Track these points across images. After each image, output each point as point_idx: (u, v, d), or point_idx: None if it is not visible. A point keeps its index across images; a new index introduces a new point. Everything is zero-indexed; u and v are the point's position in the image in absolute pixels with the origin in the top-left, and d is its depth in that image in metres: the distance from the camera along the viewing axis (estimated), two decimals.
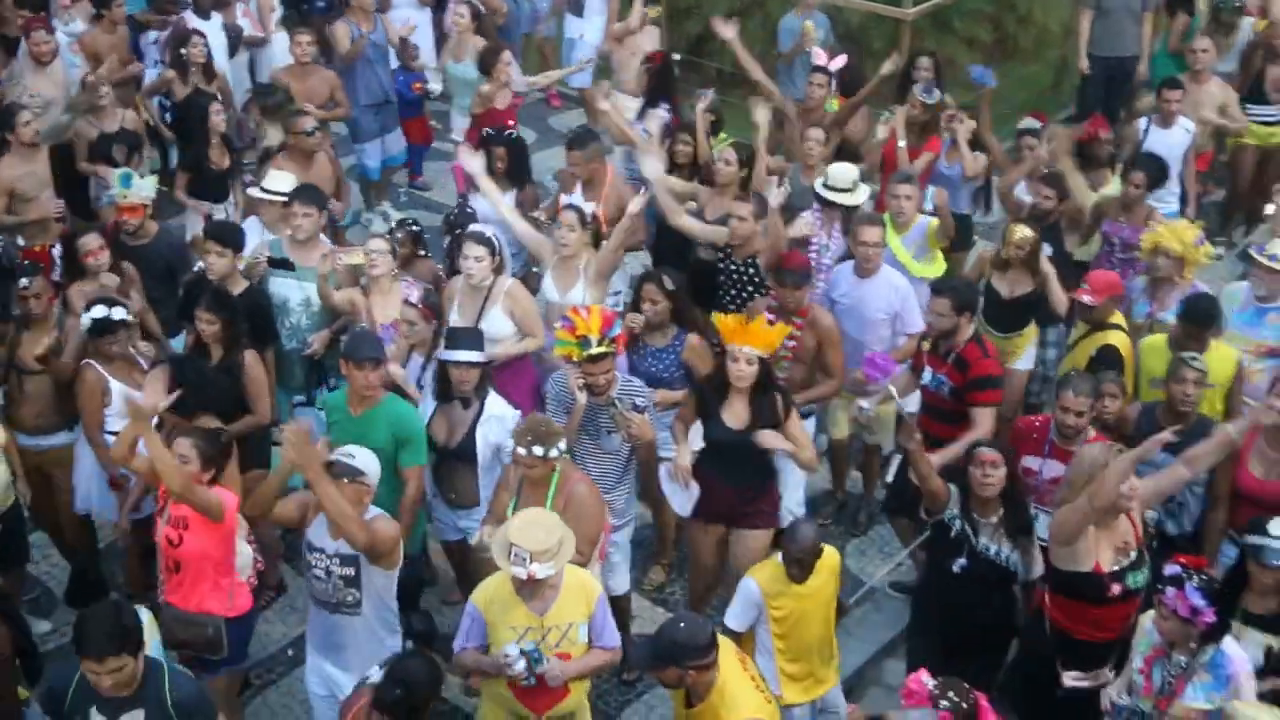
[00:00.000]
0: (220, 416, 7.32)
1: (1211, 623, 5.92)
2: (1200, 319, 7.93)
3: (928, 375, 7.86)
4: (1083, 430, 7.22)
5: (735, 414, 7.21)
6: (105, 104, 10.28)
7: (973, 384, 7.71)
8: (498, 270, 8.20)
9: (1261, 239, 8.47)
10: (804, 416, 7.72)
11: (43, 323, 7.73)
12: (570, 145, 9.75)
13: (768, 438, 7.14)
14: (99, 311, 7.46)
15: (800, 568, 6.70)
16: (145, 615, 6.01)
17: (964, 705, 5.45)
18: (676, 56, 11.66)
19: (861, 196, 9.09)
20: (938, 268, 9.17)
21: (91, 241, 8.38)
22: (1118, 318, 8.53)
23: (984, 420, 7.64)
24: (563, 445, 6.66)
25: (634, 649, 6.12)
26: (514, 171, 9.73)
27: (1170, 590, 5.95)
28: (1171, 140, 10.56)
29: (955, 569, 6.79)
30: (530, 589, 5.97)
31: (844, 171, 9.09)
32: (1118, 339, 8.36)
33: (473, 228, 8.41)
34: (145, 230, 8.90)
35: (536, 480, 6.67)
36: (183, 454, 6.50)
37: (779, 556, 6.82)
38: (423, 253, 8.92)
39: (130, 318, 7.64)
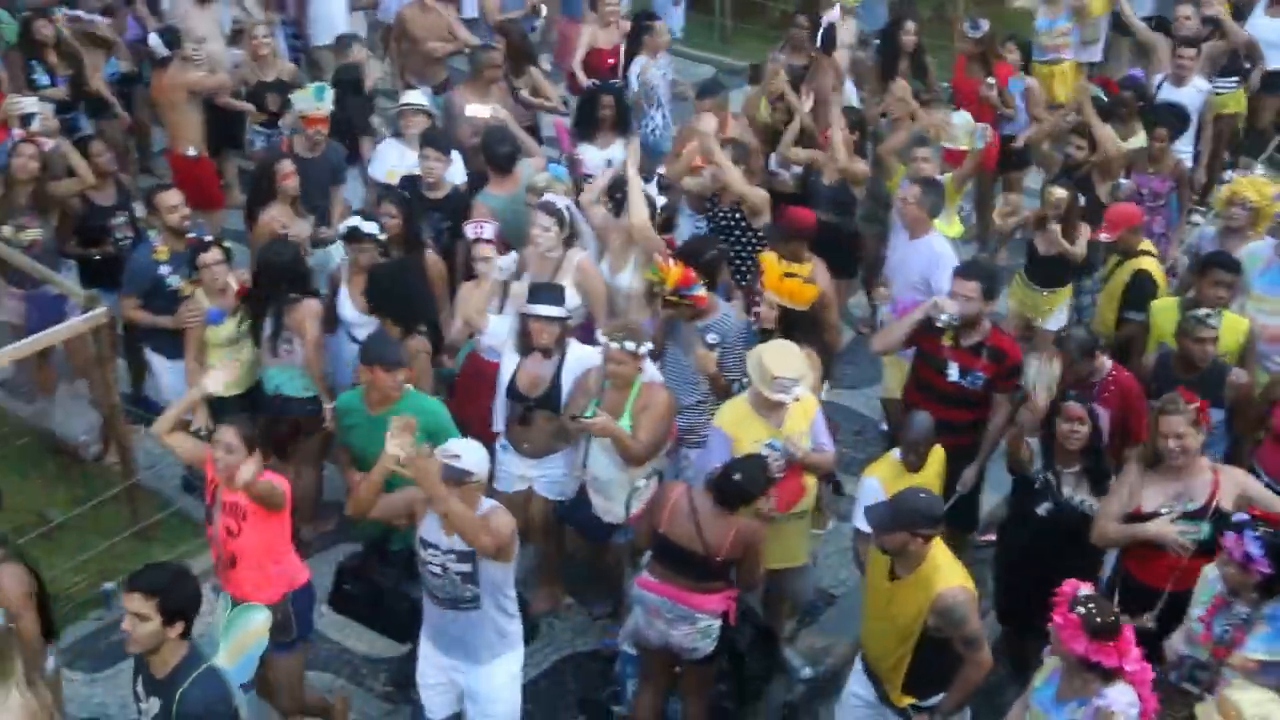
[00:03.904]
0: (401, 325, 7.84)
1: (1266, 574, 5.97)
2: (1230, 266, 8.18)
3: (955, 372, 7.74)
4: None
5: None
6: (266, 54, 11.17)
7: (1009, 372, 7.73)
8: (568, 242, 8.40)
9: None
10: None
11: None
12: (700, 94, 10.27)
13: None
14: (354, 220, 8.31)
15: (917, 454, 7.07)
16: (261, 616, 5.82)
17: (1099, 619, 5.43)
18: None
19: None
20: (955, 228, 9.47)
21: (286, 166, 9.15)
22: (1147, 245, 8.88)
23: (1005, 403, 7.78)
24: (649, 346, 7.33)
25: (870, 512, 6.36)
26: (620, 121, 10.38)
27: (1231, 535, 6.05)
28: (1184, 98, 10.91)
29: (1041, 512, 7.12)
30: (772, 406, 7.04)
31: None
32: (1149, 263, 8.68)
33: (545, 198, 8.59)
34: (320, 143, 9.81)
35: (622, 381, 7.29)
36: (228, 442, 6.41)
37: (895, 453, 7.23)
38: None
39: (380, 234, 8.32)
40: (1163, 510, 6.74)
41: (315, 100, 9.84)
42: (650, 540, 6.90)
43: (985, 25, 11.38)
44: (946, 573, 6.12)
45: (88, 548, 8.25)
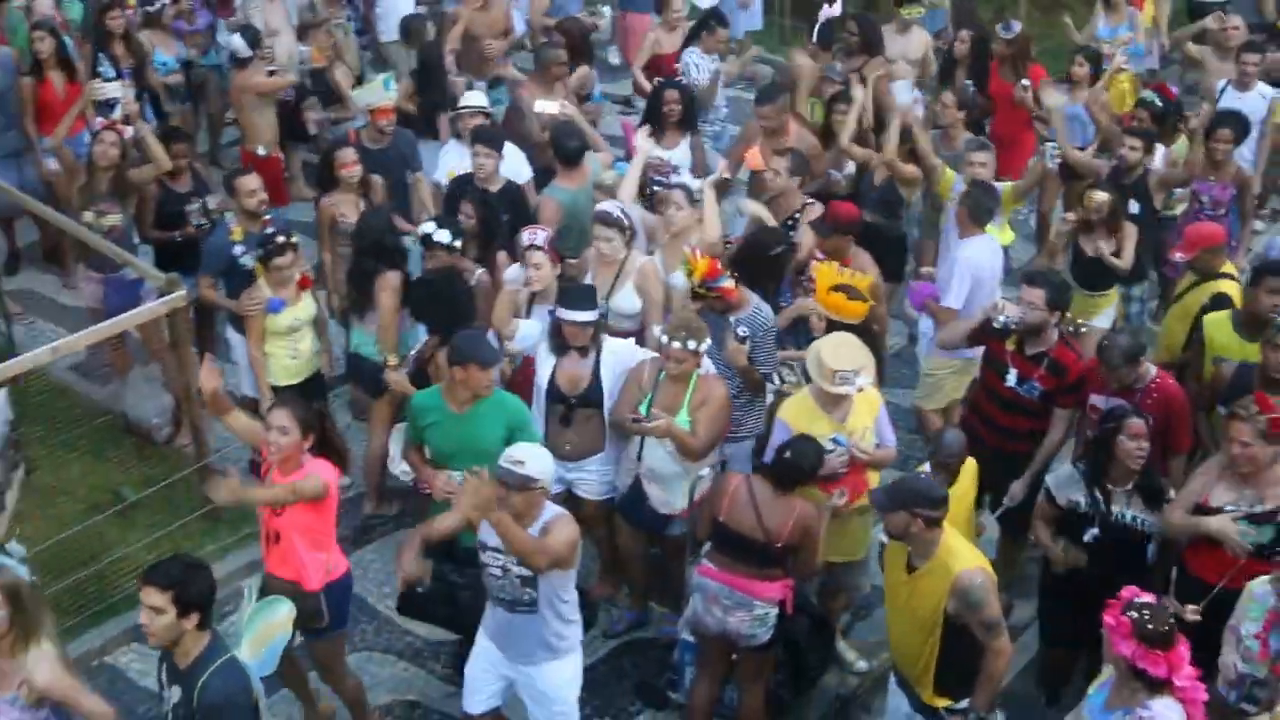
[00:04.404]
0: (439, 334, 7.97)
1: None
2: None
3: (1013, 378, 7.71)
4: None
5: None
6: (329, 54, 11.52)
7: (1069, 388, 7.66)
8: (629, 244, 8.39)
9: None
10: None
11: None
12: (759, 99, 10.20)
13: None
14: (428, 227, 8.39)
15: (948, 472, 7.01)
16: (284, 609, 5.94)
17: (1151, 626, 5.39)
18: None
19: None
20: (1007, 235, 9.47)
21: (347, 155, 9.30)
22: (1228, 266, 8.61)
23: (1064, 420, 7.75)
24: (708, 343, 7.33)
25: (872, 495, 6.56)
26: (686, 119, 10.31)
27: None
28: (1248, 104, 10.68)
29: (1088, 539, 7.01)
30: (835, 400, 7.17)
31: None
32: (1229, 286, 8.39)
33: (600, 208, 8.53)
34: (387, 134, 10.01)
35: (679, 376, 7.32)
36: (281, 425, 6.48)
37: (926, 465, 7.20)
38: None
39: (456, 243, 8.36)
40: (1228, 507, 6.72)
41: (383, 92, 10.01)
42: (710, 529, 7.01)
43: (1017, 27, 11.39)
44: (963, 556, 6.16)
45: (160, 526, 8.45)
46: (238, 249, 8.77)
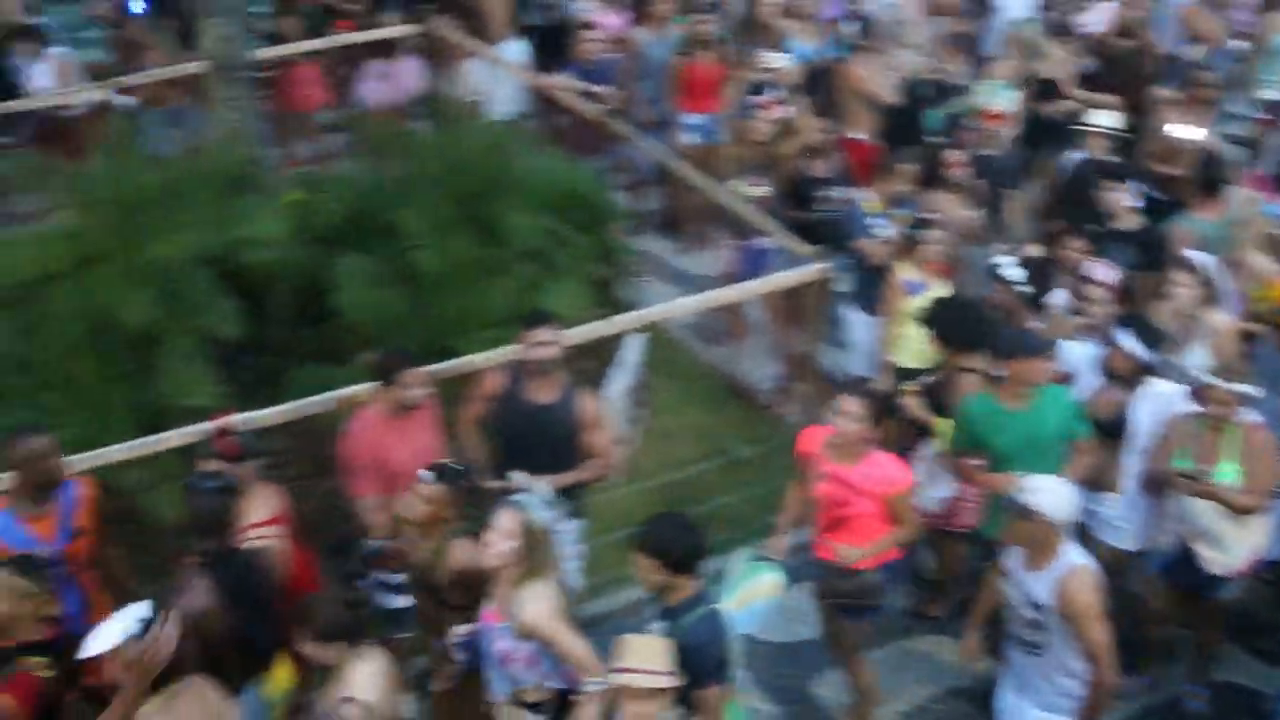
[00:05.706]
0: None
1: None
2: None
3: None
4: None
5: None
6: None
7: None
8: (1207, 301, 8.14)
9: None
10: None
11: None
12: None
13: None
14: (1003, 259, 8.40)
15: None
16: (770, 576, 6.33)
17: None
18: None
19: None
20: None
21: (954, 155, 9.55)
22: None
23: None
24: (1249, 388, 7.02)
25: None
26: None
27: None
28: None
29: None
30: None
31: None
32: None
33: (1185, 253, 8.33)
34: (999, 140, 10.15)
35: (1218, 424, 7.05)
36: (849, 410, 6.62)
37: None
38: None
39: (1024, 286, 8.27)
40: None
41: (989, 96, 10.19)
42: None
43: None
44: None
45: (760, 484, 8.81)
46: (871, 220, 9.09)
